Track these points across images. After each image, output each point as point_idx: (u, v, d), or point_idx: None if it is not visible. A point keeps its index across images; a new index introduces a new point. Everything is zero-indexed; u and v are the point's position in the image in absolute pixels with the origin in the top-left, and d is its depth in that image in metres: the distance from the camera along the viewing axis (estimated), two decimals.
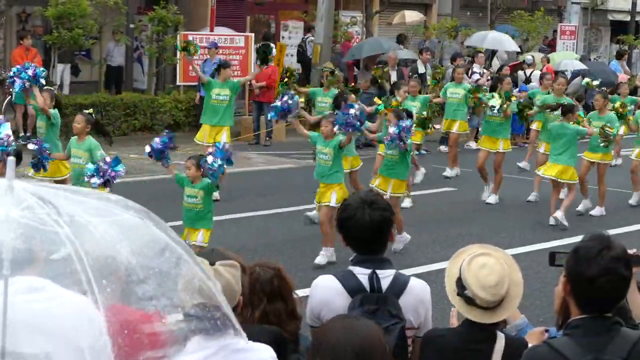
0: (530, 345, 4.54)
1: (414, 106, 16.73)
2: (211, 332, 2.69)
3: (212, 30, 24.29)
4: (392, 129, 11.98)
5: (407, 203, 14.95)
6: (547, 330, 4.59)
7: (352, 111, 11.57)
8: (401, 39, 28.53)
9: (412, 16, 30.47)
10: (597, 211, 15.60)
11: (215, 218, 10.89)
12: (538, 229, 14.33)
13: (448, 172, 18.15)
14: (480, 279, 4.35)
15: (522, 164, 18.95)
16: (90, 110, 12.45)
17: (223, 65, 16.18)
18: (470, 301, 4.36)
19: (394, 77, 22.09)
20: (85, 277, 2.44)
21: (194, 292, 2.69)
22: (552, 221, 14.37)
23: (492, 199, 16.05)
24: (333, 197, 11.73)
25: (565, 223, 14.20)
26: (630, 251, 3.87)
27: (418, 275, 5.41)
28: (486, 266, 4.37)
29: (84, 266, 2.44)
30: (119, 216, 2.62)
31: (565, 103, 15.31)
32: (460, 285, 4.38)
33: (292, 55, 27.72)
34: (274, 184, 17.36)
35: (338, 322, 3.61)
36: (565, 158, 14.50)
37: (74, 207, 2.56)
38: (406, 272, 5.38)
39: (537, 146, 16.88)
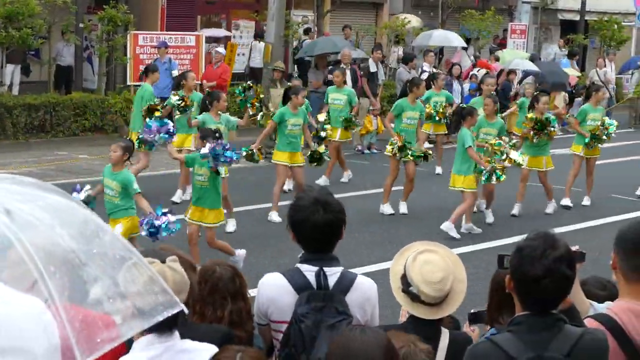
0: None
1: (340, 99, 17.30)
2: (154, 314, 2.66)
3: (162, 29, 24.18)
4: (206, 148, 10.75)
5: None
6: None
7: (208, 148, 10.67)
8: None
9: (411, 20, 30.50)
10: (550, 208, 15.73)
11: None
12: (488, 229, 14.41)
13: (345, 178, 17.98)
14: (425, 275, 4.36)
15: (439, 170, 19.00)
16: None
17: (152, 69, 15.86)
18: (415, 298, 4.38)
19: (348, 75, 21.99)
20: (34, 266, 2.40)
21: (131, 269, 2.67)
22: (463, 229, 13.96)
23: (403, 208, 15.25)
24: (118, 227, 10.13)
25: (455, 235, 13.62)
26: (573, 248, 3.89)
27: (368, 274, 5.43)
28: (431, 262, 4.38)
29: (30, 256, 2.40)
30: (47, 199, 2.57)
31: (465, 106, 14.41)
32: (405, 281, 4.39)
33: (243, 54, 27.66)
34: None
35: (351, 332, 3.65)
36: (457, 166, 13.71)
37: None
38: (356, 270, 5.38)
39: None
